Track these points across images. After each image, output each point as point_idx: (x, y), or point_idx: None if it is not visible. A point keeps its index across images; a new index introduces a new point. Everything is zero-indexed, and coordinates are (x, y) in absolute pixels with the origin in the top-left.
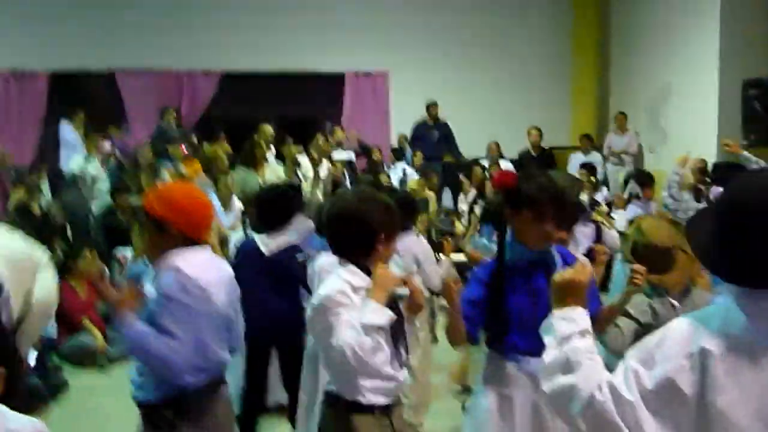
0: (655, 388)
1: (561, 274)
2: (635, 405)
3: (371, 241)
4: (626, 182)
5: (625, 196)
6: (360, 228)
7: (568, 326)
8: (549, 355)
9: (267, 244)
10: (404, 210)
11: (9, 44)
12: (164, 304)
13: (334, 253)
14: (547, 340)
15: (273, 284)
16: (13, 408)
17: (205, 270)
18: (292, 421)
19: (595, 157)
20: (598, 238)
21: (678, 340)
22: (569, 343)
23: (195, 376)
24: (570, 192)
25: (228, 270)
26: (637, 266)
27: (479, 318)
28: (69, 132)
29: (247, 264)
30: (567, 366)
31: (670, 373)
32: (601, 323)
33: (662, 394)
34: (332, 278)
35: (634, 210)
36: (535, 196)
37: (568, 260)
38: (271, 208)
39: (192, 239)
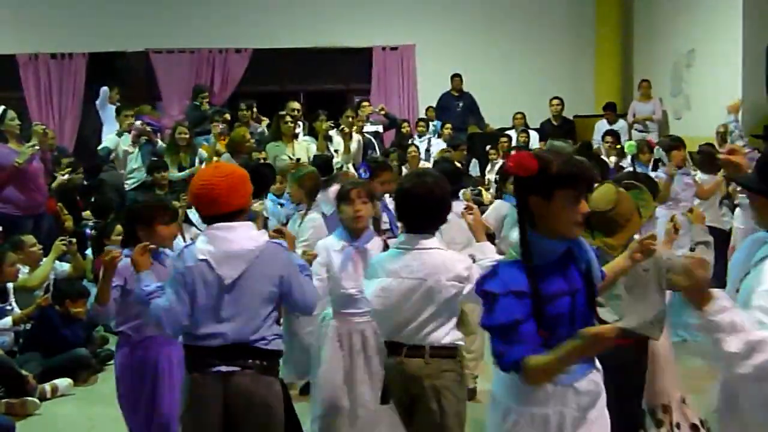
0: None
1: (683, 279)
2: None
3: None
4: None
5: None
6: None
7: (727, 315)
8: (730, 345)
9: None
10: (451, 180)
11: (48, 28)
12: (171, 272)
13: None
14: (713, 338)
15: None
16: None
17: (217, 244)
18: None
19: (620, 125)
20: None
21: None
22: (740, 328)
23: (178, 337)
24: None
25: (252, 246)
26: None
27: (536, 336)
28: (108, 105)
29: None
30: (751, 347)
31: None
32: (602, 290)
33: None
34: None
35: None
36: (574, 174)
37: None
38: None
39: (219, 216)
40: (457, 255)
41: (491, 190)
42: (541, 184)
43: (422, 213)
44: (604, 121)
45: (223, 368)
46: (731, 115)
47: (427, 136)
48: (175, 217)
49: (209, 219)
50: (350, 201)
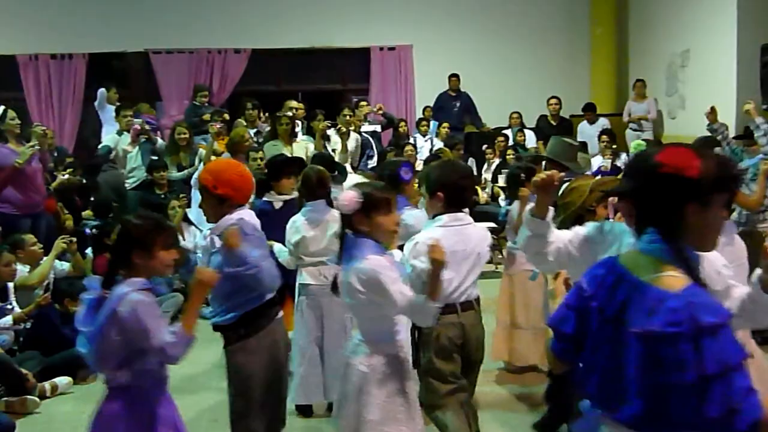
0: None
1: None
2: None
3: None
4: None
5: None
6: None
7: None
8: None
9: (276, 199)
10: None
11: (48, 29)
12: (246, 239)
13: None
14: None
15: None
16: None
17: (254, 219)
18: None
19: (602, 123)
20: None
21: None
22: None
23: (269, 292)
24: None
25: (257, 222)
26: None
27: None
28: (107, 105)
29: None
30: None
31: None
32: None
33: None
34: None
35: None
36: (730, 175)
37: None
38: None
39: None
40: (481, 224)
41: (487, 190)
42: (701, 188)
43: (461, 194)
44: (585, 122)
45: (280, 312)
46: (759, 117)
47: (429, 135)
48: (177, 240)
49: (234, 206)
50: (389, 210)
